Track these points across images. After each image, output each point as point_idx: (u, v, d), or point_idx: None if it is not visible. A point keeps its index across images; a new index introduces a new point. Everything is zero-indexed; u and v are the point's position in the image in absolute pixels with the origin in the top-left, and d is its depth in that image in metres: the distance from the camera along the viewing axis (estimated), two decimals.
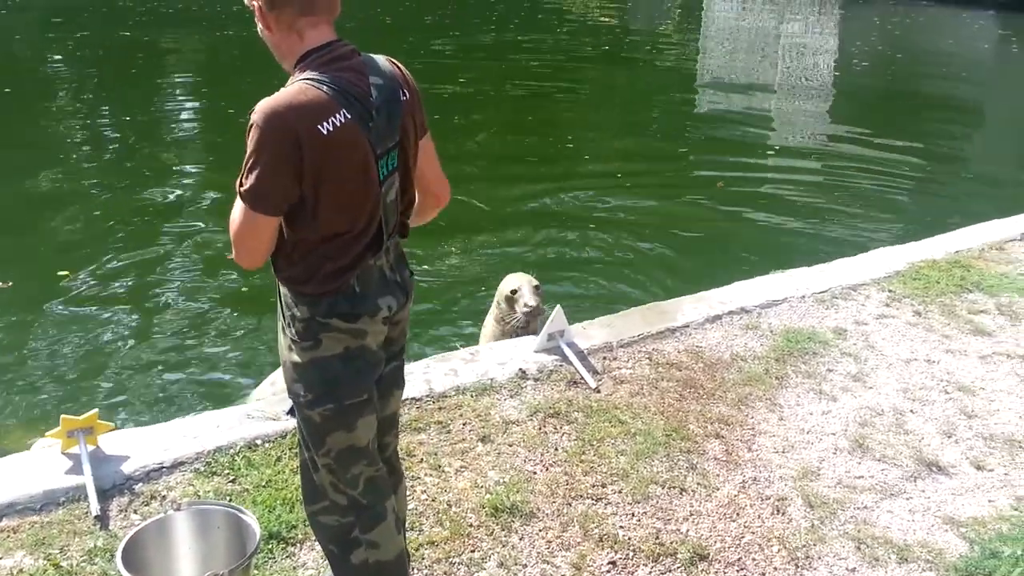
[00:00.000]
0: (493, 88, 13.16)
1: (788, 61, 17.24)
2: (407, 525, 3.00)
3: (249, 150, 2.07)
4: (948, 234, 6.39)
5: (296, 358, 2.28)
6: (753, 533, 3.31)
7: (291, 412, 3.70)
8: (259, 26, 2.22)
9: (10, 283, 6.25)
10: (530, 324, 4.70)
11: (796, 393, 4.26)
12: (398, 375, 2.54)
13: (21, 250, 6.88)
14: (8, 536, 3.05)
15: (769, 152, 10.81)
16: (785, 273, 5.63)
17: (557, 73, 14.31)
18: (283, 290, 2.28)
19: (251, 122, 2.06)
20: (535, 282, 4.83)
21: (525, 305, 4.68)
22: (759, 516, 3.41)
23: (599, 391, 4.16)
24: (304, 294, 2.22)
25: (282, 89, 2.12)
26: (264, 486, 3.34)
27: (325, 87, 2.09)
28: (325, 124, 2.06)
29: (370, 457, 2.39)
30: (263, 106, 2.06)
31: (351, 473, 2.36)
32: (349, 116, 2.10)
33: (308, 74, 2.12)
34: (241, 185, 2.09)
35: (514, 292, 4.75)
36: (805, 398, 4.22)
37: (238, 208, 2.13)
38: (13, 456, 3.56)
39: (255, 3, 2.18)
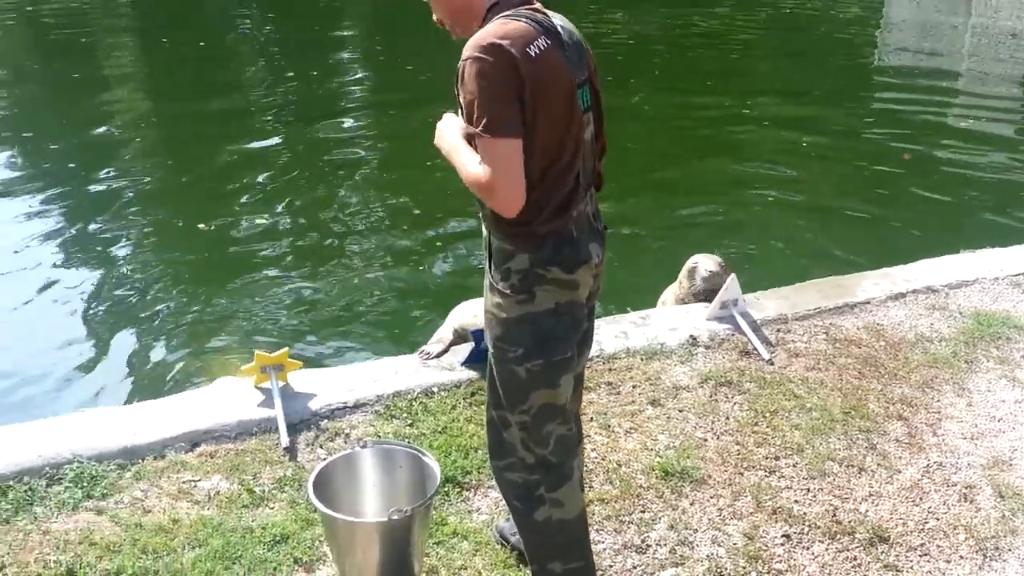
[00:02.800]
0: (667, 49, 12.95)
1: (979, 27, 16.07)
2: None
3: (471, 88, 2.07)
4: None
5: (506, 314, 2.26)
6: (938, 519, 3.16)
7: (466, 362, 3.82)
8: None
9: (212, 225, 6.66)
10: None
11: (987, 379, 4.02)
12: (590, 333, 2.54)
13: (219, 197, 7.33)
14: (206, 460, 3.27)
15: (958, 123, 10.14)
16: (976, 252, 5.32)
17: (734, 39, 13.90)
18: (497, 244, 2.27)
19: (465, 59, 2.08)
20: (722, 262, 4.64)
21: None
22: (944, 502, 3.25)
23: (772, 363, 4.05)
24: (526, 240, 2.20)
25: (481, 29, 2.15)
26: (440, 432, 3.44)
27: (523, 19, 2.14)
28: (531, 48, 2.09)
29: (564, 415, 2.38)
30: (473, 43, 2.08)
31: (544, 430, 2.35)
32: (549, 42, 2.14)
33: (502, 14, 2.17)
34: (476, 125, 2.08)
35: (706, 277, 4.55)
36: (996, 384, 3.98)
37: (480, 151, 2.09)
38: (210, 387, 3.81)
39: None
